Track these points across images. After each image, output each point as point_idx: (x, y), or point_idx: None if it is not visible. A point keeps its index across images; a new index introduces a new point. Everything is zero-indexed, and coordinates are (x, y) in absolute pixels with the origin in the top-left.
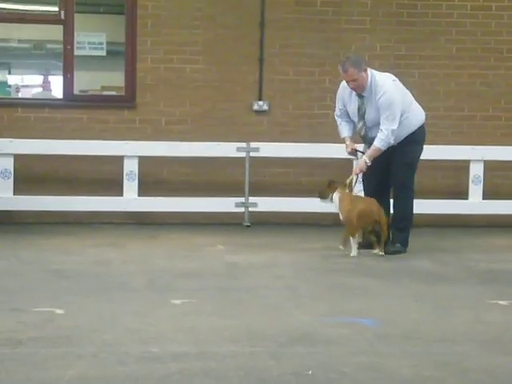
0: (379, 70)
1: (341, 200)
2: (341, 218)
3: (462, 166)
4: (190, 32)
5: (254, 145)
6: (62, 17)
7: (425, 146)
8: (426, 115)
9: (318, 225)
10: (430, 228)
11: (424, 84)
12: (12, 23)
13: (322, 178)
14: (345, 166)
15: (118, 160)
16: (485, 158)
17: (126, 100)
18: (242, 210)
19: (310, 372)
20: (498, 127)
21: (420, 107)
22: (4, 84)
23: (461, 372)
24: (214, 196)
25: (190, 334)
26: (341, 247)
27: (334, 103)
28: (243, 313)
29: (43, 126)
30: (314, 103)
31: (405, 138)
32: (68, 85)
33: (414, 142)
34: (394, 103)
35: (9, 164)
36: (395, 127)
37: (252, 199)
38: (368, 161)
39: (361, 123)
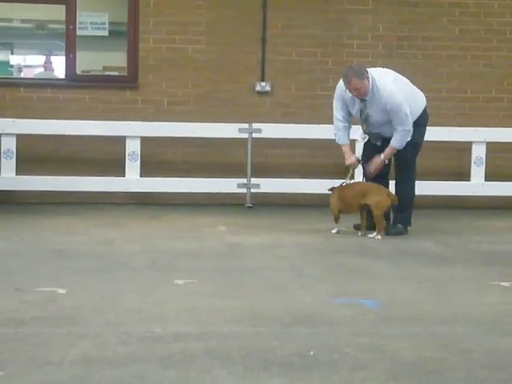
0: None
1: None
2: None
3: (465, 148)
4: (193, 12)
5: (256, 126)
6: None
7: (427, 128)
8: (428, 97)
9: (321, 206)
10: (432, 209)
11: (427, 65)
12: (14, 3)
13: (324, 159)
14: None
15: (121, 140)
16: (487, 140)
17: (129, 80)
18: (244, 190)
19: (312, 353)
20: (500, 109)
21: (420, 92)
22: (6, 64)
23: (462, 353)
24: (216, 177)
25: (192, 314)
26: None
27: (336, 84)
28: (246, 293)
29: (45, 106)
30: (317, 84)
31: None
32: (70, 65)
33: (417, 125)
34: (402, 105)
35: (11, 144)
36: (410, 127)
37: (254, 180)
38: (386, 160)
39: (365, 125)
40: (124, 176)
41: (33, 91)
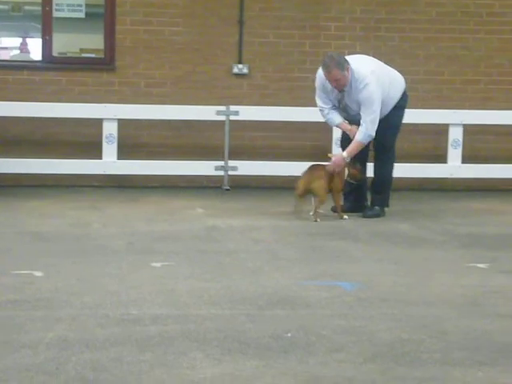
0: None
1: None
2: None
3: (442, 130)
4: None
5: (233, 108)
6: None
7: (405, 110)
8: (405, 79)
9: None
10: (410, 192)
11: (404, 48)
12: None
13: (301, 141)
14: (324, 129)
15: (97, 123)
16: (464, 122)
17: (105, 62)
18: (222, 173)
19: (289, 334)
20: (477, 91)
21: (399, 75)
22: None
23: (438, 334)
24: (194, 159)
25: (170, 297)
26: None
27: (315, 67)
28: (223, 276)
29: (22, 88)
30: (294, 66)
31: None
32: (47, 47)
33: (396, 107)
34: (375, 100)
35: None
36: (376, 124)
37: (232, 163)
38: (347, 157)
39: (344, 114)
40: (101, 159)
41: (9, 73)
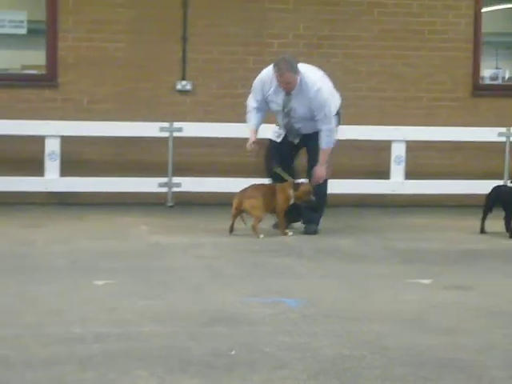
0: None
1: None
2: None
3: (385, 147)
4: (113, 10)
5: (177, 125)
6: None
7: (347, 127)
8: (348, 96)
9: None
10: (353, 208)
11: (347, 64)
12: None
13: (245, 158)
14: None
15: (40, 140)
16: (407, 139)
17: (48, 79)
18: (166, 190)
19: (233, 352)
20: (419, 108)
21: (337, 93)
22: None
23: (380, 350)
24: (137, 176)
25: (113, 315)
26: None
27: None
28: (166, 293)
29: None
30: (238, 83)
31: None
32: None
33: None
34: (327, 101)
35: None
36: (333, 124)
37: (175, 179)
38: (325, 168)
39: (286, 119)
40: (43, 176)
41: None
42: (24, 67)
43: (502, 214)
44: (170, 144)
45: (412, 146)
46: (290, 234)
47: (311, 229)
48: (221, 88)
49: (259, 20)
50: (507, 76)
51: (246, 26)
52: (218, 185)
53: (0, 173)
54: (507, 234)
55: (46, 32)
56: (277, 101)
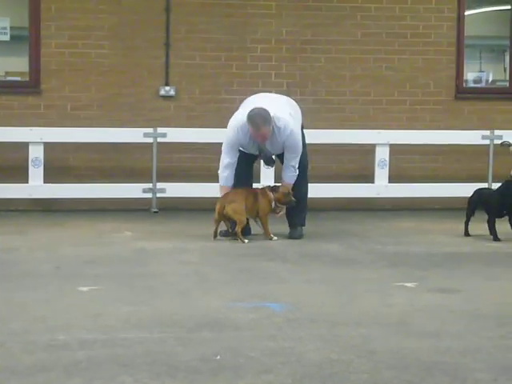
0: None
1: None
2: None
3: (369, 150)
4: (95, 16)
5: (161, 130)
6: None
7: (332, 131)
8: (332, 100)
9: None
10: (337, 212)
11: (330, 69)
12: None
13: None
14: None
15: (23, 146)
16: (390, 142)
17: (31, 85)
18: (150, 195)
19: (218, 357)
20: (403, 111)
21: (299, 109)
22: None
23: (367, 354)
24: (122, 182)
25: (98, 321)
26: None
27: (242, 89)
28: (151, 299)
29: None
30: (221, 88)
31: None
32: None
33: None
34: (299, 144)
35: None
36: (297, 165)
37: (160, 185)
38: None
39: (263, 159)
40: (27, 182)
41: None
42: (7, 74)
43: (486, 217)
44: (154, 149)
45: (396, 150)
46: (275, 238)
47: (296, 233)
48: (204, 93)
49: (242, 25)
50: (491, 79)
51: (228, 31)
52: (202, 190)
53: None
54: (491, 237)
55: (29, 38)
56: (252, 150)
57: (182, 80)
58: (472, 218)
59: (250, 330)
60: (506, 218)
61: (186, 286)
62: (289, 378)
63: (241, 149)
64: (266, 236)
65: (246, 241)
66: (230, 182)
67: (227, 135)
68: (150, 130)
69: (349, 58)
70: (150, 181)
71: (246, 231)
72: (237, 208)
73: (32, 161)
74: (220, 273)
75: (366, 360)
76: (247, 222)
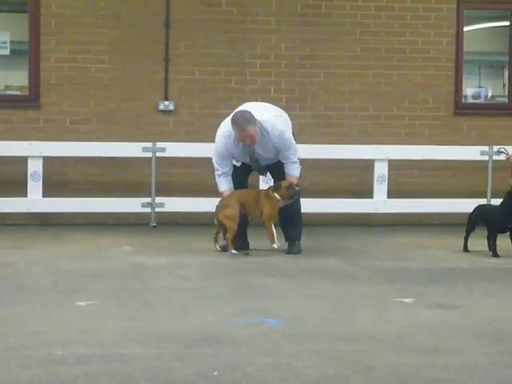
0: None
1: None
2: None
3: (367, 165)
4: (95, 31)
5: (160, 145)
6: None
7: (331, 146)
8: (331, 115)
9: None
10: (336, 227)
11: (329, 84)
12: None
13: None
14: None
15: (22, 160)
16: (389, 158)
17: (30, 100)
18: (149, 210)
19: (216, 373)
20: (402, 126)
21: (286, 115)
22: None
23: (365, 370)
24: (120, 196)
25: (95, 336)
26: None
27: (241, 104)
28: (149, 314)
29: None
30: (220, 103)
31: None
32: None
33: None
34: (291, 141)
35: None
36: (297, 157)
37: (158, 199)
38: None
39: (254, 165)
40: (26, 196)
41: None
42: (7, 88)
43: (486, 232)
44: (153, 164)
45: (394, 165)
46: (277, 246)
47: (294, 249)
48: (203, 108)
49: (241, 40)
50: (490, 95)
51: (228, 46)
52: (200, 205)
53: None
54: (489, 253)
55: (29, 53)
56: (243, 157)
57: (182, 95)
58: (471, 234)
59: (247, 345)
60: (506, 233)
61: (185, 301)
62: None
63: (234, 163)
64: (270, 242)
65: (234, 251)
66: (230, 185)
67: (216, 146)
68: (149, 144)
69: (348, 73)
70: (148, 195)
71: (245, 245)
72: (229, 214)
73: (31, 175)
74: (218, 288)
75: (364, 376)
76: (245, 237)
